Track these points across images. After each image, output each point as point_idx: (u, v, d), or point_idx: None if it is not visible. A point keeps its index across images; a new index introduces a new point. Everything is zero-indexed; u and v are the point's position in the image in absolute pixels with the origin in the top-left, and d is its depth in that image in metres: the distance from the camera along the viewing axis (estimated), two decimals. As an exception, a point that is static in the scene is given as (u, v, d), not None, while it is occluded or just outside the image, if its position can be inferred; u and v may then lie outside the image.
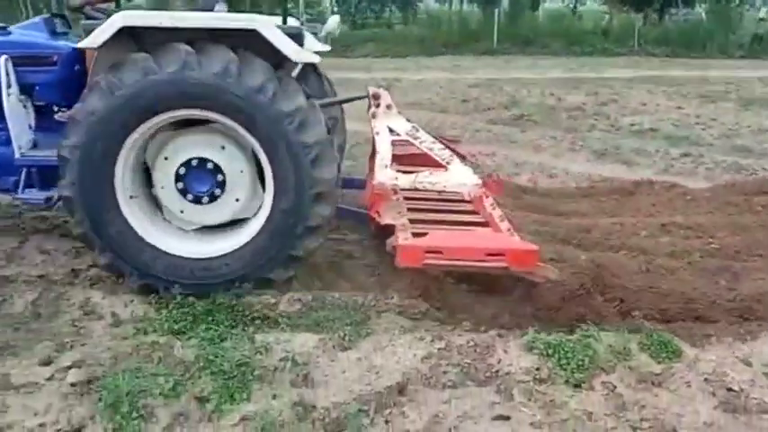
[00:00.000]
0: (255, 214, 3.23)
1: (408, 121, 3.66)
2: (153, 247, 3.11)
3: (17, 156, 3.38)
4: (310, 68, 3.72)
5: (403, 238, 3.02)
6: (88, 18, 3.42)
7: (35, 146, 3.50)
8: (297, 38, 3.09)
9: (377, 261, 3.67)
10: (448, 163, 3.51)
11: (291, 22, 3.55)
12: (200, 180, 3.12)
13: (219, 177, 3.12)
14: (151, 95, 2.88)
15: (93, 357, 2.57)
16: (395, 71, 14.50)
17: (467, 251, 3.01)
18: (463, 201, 3.64)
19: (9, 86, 3.36)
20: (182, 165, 3.10)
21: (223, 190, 3.14)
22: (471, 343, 2.65)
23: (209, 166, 3.10)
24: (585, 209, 4.81)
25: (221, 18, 3.35)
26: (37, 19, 3.92)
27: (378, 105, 3.62)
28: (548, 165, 6.33)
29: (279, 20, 3.28)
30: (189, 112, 2.98)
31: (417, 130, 3.59)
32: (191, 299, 3.07)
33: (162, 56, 2.87)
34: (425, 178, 3.46)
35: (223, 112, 2.93)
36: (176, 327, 2.88)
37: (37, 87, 3.51)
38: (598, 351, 2.60)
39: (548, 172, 6.05)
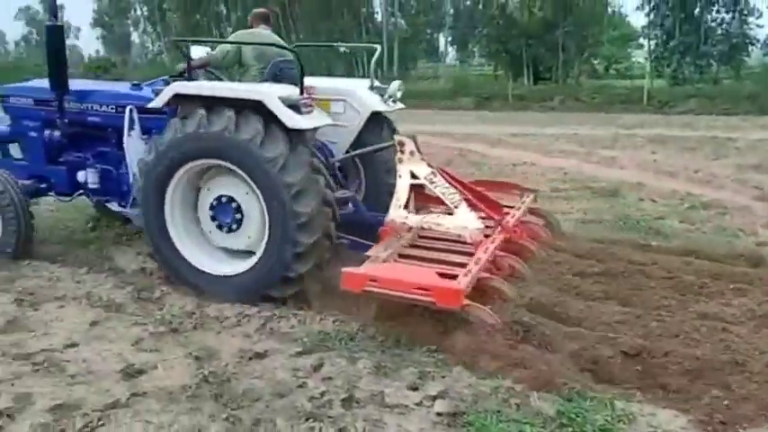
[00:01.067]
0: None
1: (430, 166, 4.06)
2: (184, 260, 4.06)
3: (131, 180, 4.39)
4: (375, 119, 4.66)
5: (352, 267, 3.33)
6: (191, 79, 4.27)
7: None
8: (295, 108, 3.75)
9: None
10: (456, 207, 3.86)
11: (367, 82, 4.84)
12: (225, 213, 3.95)
13: (238, 216, 3.91)
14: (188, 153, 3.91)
15: (454, 391, 2.72)
16: (726, 130, 13.14)
17: (398, 283, 3.18)
18: (466, 243, 3.75)
19: (132, 129, 4.44)
20: (215, 198, 3.96)
21: (239, 226, 3.92)
22: None
23: (234, 204, 3.91)
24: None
25: (238, 89, 4.07)
26: (160, 79, 4.97)
27: (402, 152, 4.05)
28: None
29: (367, 82, 4.76)
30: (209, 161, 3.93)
31: (435, 176, 4.01)
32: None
33: (211, 115, 3.77)
34: (432, 219, 3.87)
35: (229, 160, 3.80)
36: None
37: (153, 130, 4.41)
38: None
39: None
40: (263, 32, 5.00)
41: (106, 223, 5.70)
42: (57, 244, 5.17)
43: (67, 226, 5.79)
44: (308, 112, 3.90)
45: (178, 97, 3.99)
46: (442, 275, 3.29)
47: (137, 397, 2.74)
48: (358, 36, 27.66)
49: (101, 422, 2.54)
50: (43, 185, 5.01)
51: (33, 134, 5.02)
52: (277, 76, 4.54)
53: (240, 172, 3.79)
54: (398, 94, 4.89)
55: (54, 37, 4.83)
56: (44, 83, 4.88)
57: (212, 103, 3.83)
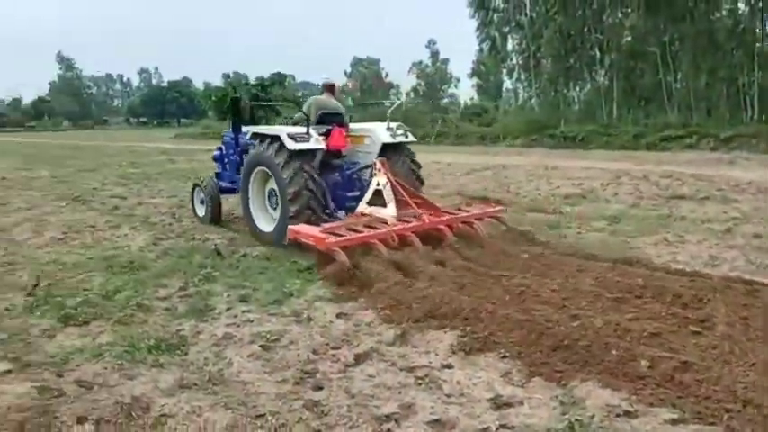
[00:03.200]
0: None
1: (389, 179, 6.57)
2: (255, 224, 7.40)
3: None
4: (390, 146, 7.42)
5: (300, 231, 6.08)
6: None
7: None
8: (294, 139, 6.66)
9: None
10: (389, 204, 6.48)
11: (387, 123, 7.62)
12: (273, 198, 7.15)
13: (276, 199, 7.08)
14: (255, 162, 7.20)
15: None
16: None
17: (304, 235, 5.94)
18: (387, 223, 6.32)
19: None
20: (270, 190, 7.19)
21: (277, 205, 6.99)
22: None
23: (275, 193, 7.02)
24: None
25: (269, 130, 7.29)
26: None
27: (376, 169, 6.69)
28: None
29: (385, 125, 7.52)
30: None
31: (387, 185, 6.54)
32: None
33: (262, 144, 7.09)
34: (375, 210, 6.60)
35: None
36: None
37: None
38: None
39: None
40: (324, 99, 7.97)
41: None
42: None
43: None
44: (304, 141, 6.72)
45: (256, 135, 7.42)
46: (328, 233, 5.87)
47: (505, 429, 2.90)
48: (749, 71, 24.52)
49: (473, 445, 2.77)
50: (232, 186, 8.50)
51: (229, 158, 8.81)
52: (320, 122, 7.51)
53: (269, 172, 7.00)
54: (399, 132, 7.55)
55: (235, 105, 8.66)
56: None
57: (265, 137, 7.09)
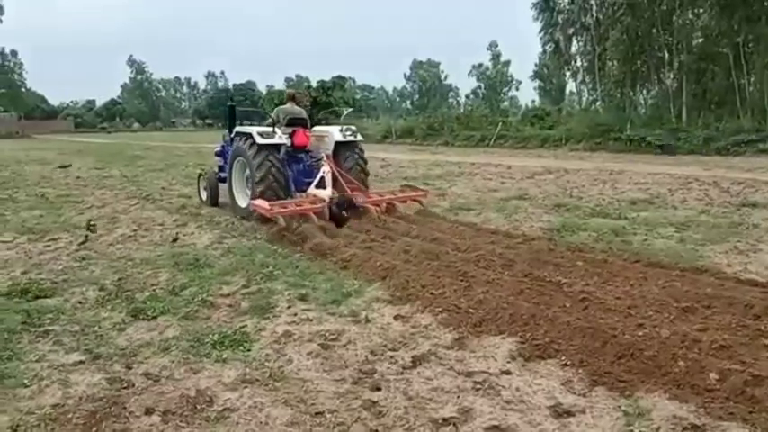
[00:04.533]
0: None
1: (331, 168, 8.77)
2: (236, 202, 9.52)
3: None
4: (343, 144, 9.41)
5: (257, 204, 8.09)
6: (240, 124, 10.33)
7: None
8: (262, 135, 8.65)
9: None
10: (327, 187, 8.48)
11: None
12: (249, 182, 9.06)
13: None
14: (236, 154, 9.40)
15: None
16: None
17: (257, 206, 7.99)
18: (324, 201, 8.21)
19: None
20: (248, 175, 9.10)
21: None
22: None
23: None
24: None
25: (246, 129, 9.26)
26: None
27: (324, 162, 8.88)
28: None
29: (339, 127, 9.52)
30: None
31: (328, 173, 8.66)
32: None
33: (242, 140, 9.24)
34: (317, 192, 8.54)
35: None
36: None
37: None
38: None
39: None
40: (288, 107, 10.03)
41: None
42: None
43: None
44: (270, 137, 8.65)
45: (238, 133, 9.42)
46: (276, 206, 7.87)
47: (566, 437, 2.85)
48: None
49: (532, 453, 2.73)
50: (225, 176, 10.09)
51: (225, 154, 10.43)
52: (289, 125, 9.46)
53: (245, 161, 8.97)
54: (348, 132, 9.41)
55: (230, 111, 10.42)
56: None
57: (243, 135, 9.08)
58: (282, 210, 7.78)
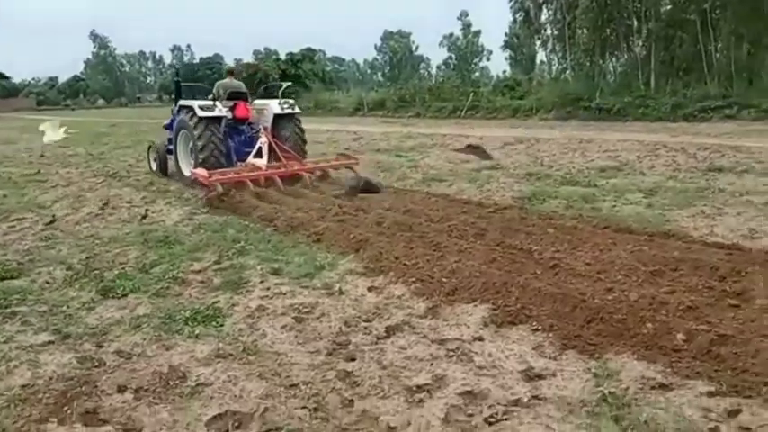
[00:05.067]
0: None
1: (268, 139, 9.37)
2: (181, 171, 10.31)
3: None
4: (281, 116, 10.11)
5: (197, 172, 8.77)
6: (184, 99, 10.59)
7: None
8: (204, 108, 9.37)
9: None
10: (264, 156, 9.21)
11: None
12: (192, 153, 9.73)
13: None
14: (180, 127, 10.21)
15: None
16: None
17: (197, 175, 8.60)
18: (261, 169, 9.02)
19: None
20: (191, 146, 9.77)
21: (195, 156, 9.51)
22: None
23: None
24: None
25: (191, 103, 9.70)
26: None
27: (261, 133, 9.52)
28: None
29: (278, 101, 10.23)
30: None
31: (266, 144, 9.34)
32: None
33: (185, 114, 9.95)
34: (256, 161, 9.27)
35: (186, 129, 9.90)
36: None
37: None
38: None
39: None
40: (227, 81, 10.75)
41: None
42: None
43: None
44: (210, 110, 9.34)
45: (181, 107, 9.98)
46: (215, 174, 8.49)
47: (537, 400, 2.90)
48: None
49: (504, 416, 2.77)
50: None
51: (173, 126, 10.60)
52: (230, 98, 10.06)
53: (188, 133, 9.59)
54: (286, 106, 10.15)
55: (176, 86, 10.91)
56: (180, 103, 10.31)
57: (186, 108, 9.69)
58: (220, 177, 8.44)
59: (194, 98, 10.20)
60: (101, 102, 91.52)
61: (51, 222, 7.34)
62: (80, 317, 4.25)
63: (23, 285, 4.94)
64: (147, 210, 7.91)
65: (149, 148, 12.07)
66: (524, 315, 3.89)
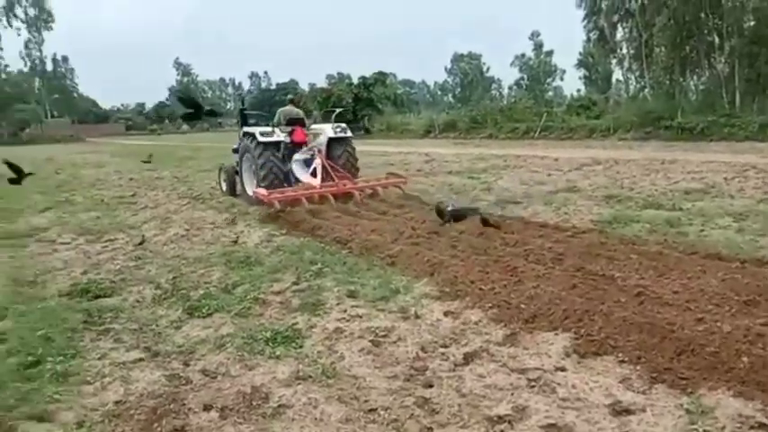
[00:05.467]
0: None
1: (322, 161, 10.25)
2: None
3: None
4: (335, 139, 10.88)
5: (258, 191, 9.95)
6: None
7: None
8: (263, 134, 10.42)
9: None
10: (318, 176, 10.11)
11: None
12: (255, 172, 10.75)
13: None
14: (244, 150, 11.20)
15: None
16: None
17: (258, 194, 9.65)
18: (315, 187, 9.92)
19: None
20: (254, 168, 10.83)
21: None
22: None
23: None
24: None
25: (250, 129, 10.84)
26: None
27: (317, 155, 10.47)
28: None
29: (330, 126, 11.02)
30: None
31: (320, 164, 10.22)
32: None
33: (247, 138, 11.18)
34: (310, 179, 10.16)
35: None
36: None
37: None
38: None
39: None
40: (288, 108, 11.57)
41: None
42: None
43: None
44: (269, 136, 10.32)
45: (245, 133, 10.94)
46: (272, 192, 9.44)
47: (626, 436, 2.77)
48: None
49: (592, 452, 2.67)
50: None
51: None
52: (288, 124, 10.97)
53: (251, 156, 10.56)
54: (338, 129, 10.92)
55: (241, 114, 12.26)
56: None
57: (249, 134, 10.68)
58: (278, 195, 9.34)
59: (257, 125, 11.34)
60: (185, 127, 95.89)
61: (141, 243, 7.71)
62: (168, 335, 4.43)
63: (116, 304, 5.19)
64: (237, 236, 7.97)
65: (220, 170, 12.92)
66: (609, 345, 3.74)
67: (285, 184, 10.26)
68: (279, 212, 8.77)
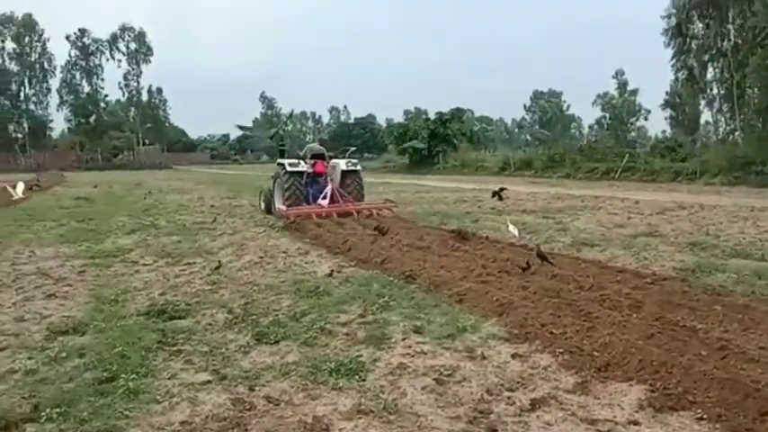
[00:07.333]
0: None
1: (333, 186, 13.77)
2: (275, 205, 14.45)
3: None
4: (347, 172, 14.35)
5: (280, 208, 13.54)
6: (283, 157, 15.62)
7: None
8: (291, 165, 13.94)
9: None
10: (327, 198, 13.53)
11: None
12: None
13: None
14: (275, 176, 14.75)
15: None
16: None
17: (281, 210, 13.21)
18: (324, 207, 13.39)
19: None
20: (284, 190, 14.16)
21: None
22: None
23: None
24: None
25: (282, 162, 14.32)
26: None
27: (330, 180, 14.01)
28: None
29: (344, 161, 14.73)
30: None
31: (332, 189, 13.66)
32: None
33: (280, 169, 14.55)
34: (321, 202, 13.52)
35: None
36: None
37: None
38: None
39: None
40: (314, 145, 15.48)
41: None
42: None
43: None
44: (295, 167, 13.81)
45: (278, 163, 14.48)
46: (290, 209, 12.96)
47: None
48: None
49: None
50: None
51: None
52: (312, 158, 14.23)
53: (281, 181, 13.86)
54: (350, 164, 14.36)
55: (279, 150, 17.05)
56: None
57: (280, 164, 14.20)
58: (293, 211, 12.56)
59: (289, 157, 14.69)
60: (265, 157, 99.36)
61: (217, 268, 7.98)
62: (236, 359, 4.53)
63: (189, 325, 5.38)
64: (332, 270, 7.72)
65: (260, 192, 16.05)
66: (687, 401, 3.53)
67: (304, 203, 13.42)
68: (290, 223, 12.11)
